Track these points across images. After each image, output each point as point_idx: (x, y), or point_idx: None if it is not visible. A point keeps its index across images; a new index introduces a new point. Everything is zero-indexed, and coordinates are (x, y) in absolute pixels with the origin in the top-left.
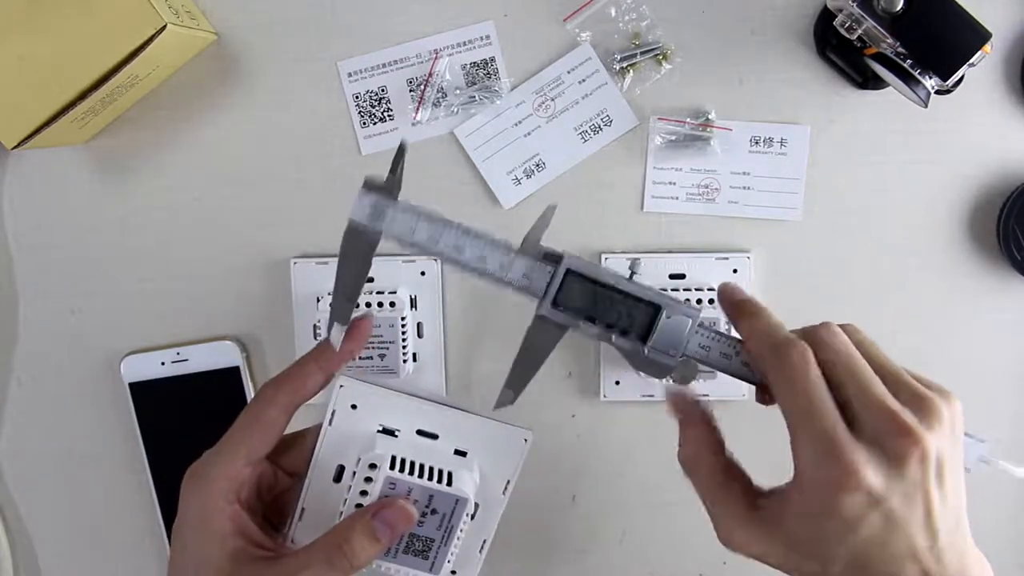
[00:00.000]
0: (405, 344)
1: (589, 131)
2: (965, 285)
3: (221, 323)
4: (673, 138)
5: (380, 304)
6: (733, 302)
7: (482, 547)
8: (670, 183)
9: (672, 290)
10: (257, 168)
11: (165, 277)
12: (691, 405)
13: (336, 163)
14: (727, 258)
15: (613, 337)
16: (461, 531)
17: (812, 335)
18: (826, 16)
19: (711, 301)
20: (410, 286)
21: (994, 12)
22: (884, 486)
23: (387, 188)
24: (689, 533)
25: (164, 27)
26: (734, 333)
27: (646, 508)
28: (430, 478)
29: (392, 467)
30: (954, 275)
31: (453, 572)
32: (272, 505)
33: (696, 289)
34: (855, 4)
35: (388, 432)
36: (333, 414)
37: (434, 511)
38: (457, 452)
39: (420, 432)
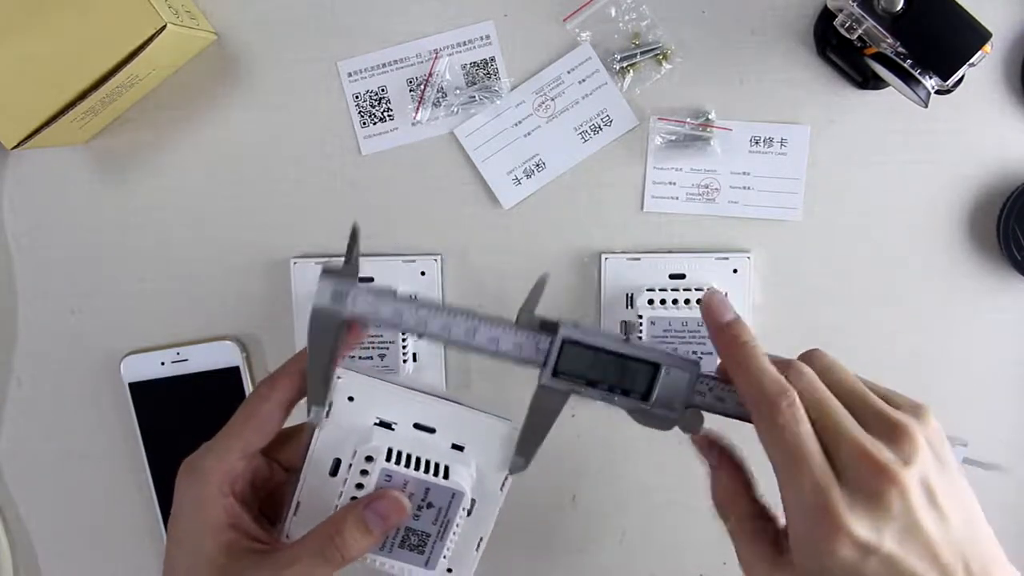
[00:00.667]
0: (405, 344)
1: (589, 131)
2: (965, 285)
3: (221, 323)
4: (673, 138)
5: None
6: (719, 326)
7: (479, 545)
8: (670, 183)
9: (672, 290)
10: (257, 168)
11: (165, 277)
12: (720, 449)
13: (336, 163)
14: (727, 258)
15: (617, 399)
16: (457, 526)
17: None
18: (826, 16)
19: None
20: (410, 286)
21: (994, 12)
22: (873, 533)
23: (345, 273)
24: (689, 533)
25: (164, 27)
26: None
27: (646, 508)
28: (426, 471)
29: (388, 459)
30: (954, 275)
31: (449, 570)
32: (268, 499)
33: (696, 289)
34: (855, 4)
35: (385, 425)
36: (330, 406)
37: (430, 505)
38: (454, 447)
39: (417, 426)
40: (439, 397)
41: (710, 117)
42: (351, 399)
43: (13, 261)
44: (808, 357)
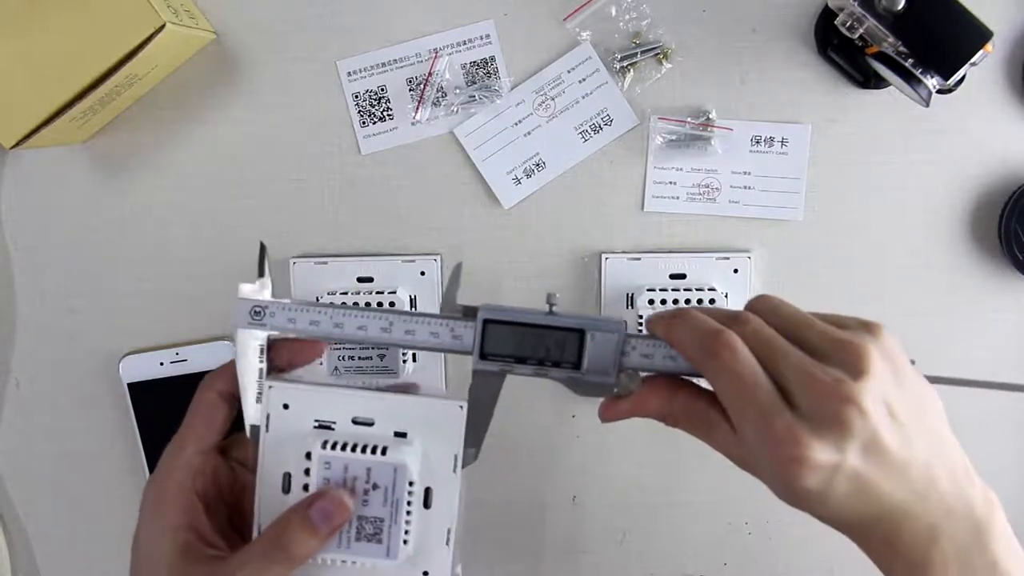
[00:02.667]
0: None
1: (589, 131)
2: (966, 285)
3: (220, 323)
4: (674, 138)
5: (380, 304)
6: (656, 323)
7: (448, 538)
8: (670, 183)
9: (672, 290)
10: (257, 168)
11: (164, 277)
12: (632, 400)
13: (336, 163)
14: (728, 258)
15: (549, 372)
16: (409, 504)
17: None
18: (827, 15)
19: (711, 301)
20: (410, 286)
21: (995, 11)
22: (835, 453)
23: (259, 290)
24: (689, 533)
25: (163, 26)
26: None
27: (646, 508)
28: (363, 452)
29: (324, 447)
30: (955, 275)
31: (425, 573)
32: (236, 507)
33: (697, 289)
34: (856, 3)
35: (324, 426)
36: (268, 418)
37: (375, 486)
38: (397, 434)
39: (356, 421)
40: (371, 390)
41: (711, 117)
42: (286, 407)
43: (11, 261)
44: (753, 302)
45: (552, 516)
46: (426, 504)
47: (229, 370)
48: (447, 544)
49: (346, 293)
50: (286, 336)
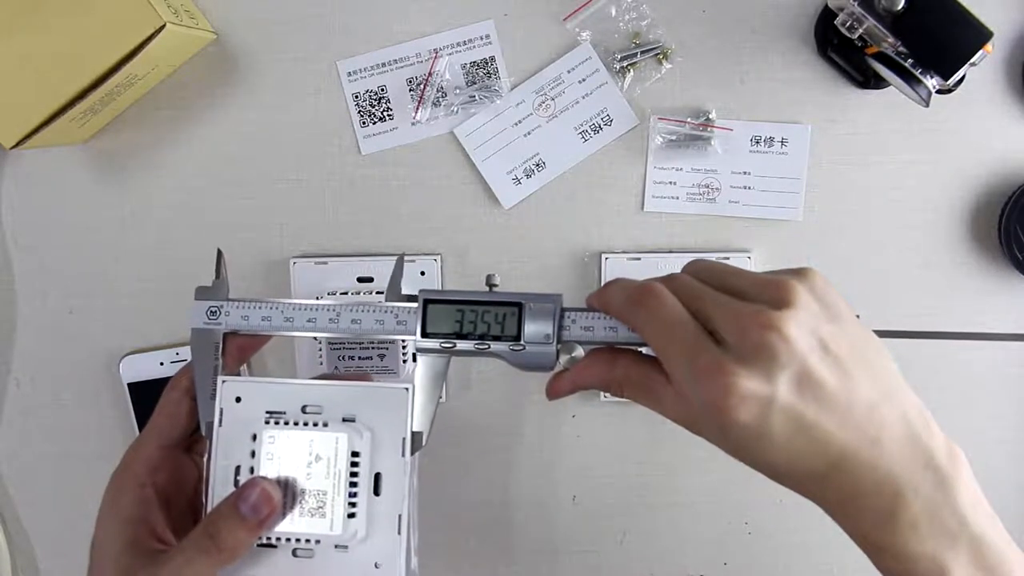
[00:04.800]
0: (405, 344)
1: (589, 131)
2: (966, 285)
3: None
4: (673, 138)
5: None
6: (591, 296)
7: (399, 525)
8: (670, 183)
9: None
10: (257, 168)
11: (164, 277)
12: (572, 374)
13: (336, 163)
14: (728, 258)
15: (491, 346)
16: (354, 476)
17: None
18: (827, 15)
19: None
20: (410, 286)
21: (995, 11)
22: (764, 383)
23: (216, 290)
24: (689, 533)
25: (163, 26)
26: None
27: (646, 508)
28: (305, 427)
29: (267, 423)
30: (955, 275)
31: (377, 564)
32: (199, 503)
33: None
34: (856, 3)
35: (275, 415)
36: (221, 413)
37: (318, 457)
38: (345, 420)
39: (305, 409)
40: (318, 382)
41: (710, 117)
42: (238, 399)
43: (12, 261)
44: (686, 265)
45: (552, 516)
46: (376, 491)
47: (190, 367)
48: (398, 533)
49: (346, 293)
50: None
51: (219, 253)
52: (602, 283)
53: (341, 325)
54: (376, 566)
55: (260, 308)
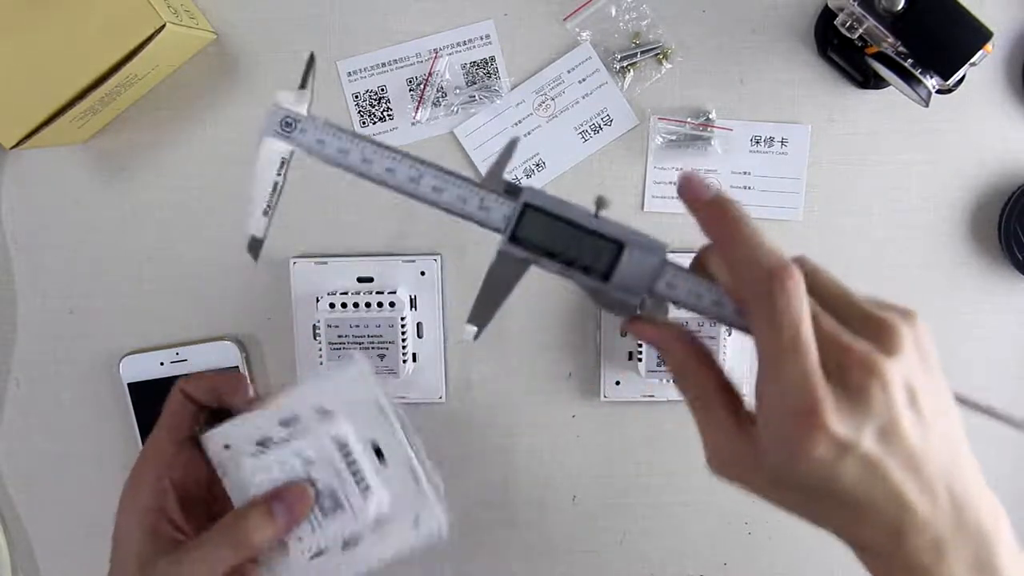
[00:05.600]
0: (405, 344)
1: (589, 131)
2: (966, 285)
3: (220, 323)
4: (673, 138)
5: (380, 304)
6: (701, 202)
7: (413, 475)
8: (670, 183)
9: None
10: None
11: (165, 277)
12: (664, 330)
13: None
14: None
15: (575, 275)
16: (350, 459)
17: None
18: (827, 15)
19: None
20: (410, 286)
21: (995, 11)
22: (852, 430)
23: (297, 100)
24: (689, 533)
25: (163, 26)
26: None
27: (646, 508)
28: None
29: (255, 455)
30: (955, 275)
31: (417, 515)
32: (212, 499)
33: None
34: (856, 3)
35: (261, 444)
36: (224, 466)
37: (310, 460)
38: (321, 412)
39: (282, 423)
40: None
41: (710, 117)
42: (227, 447)
43: (12, 261)
44: (800, 261)
45: (552, 516)
46: (380, 459)
47: (199, 377)
48: (416, 483)
49: (346, 293)
50: (202, 374)
51: (311, 58)
52: None
53: (421, 187)
54: (417, 522)
55: (340, 139)
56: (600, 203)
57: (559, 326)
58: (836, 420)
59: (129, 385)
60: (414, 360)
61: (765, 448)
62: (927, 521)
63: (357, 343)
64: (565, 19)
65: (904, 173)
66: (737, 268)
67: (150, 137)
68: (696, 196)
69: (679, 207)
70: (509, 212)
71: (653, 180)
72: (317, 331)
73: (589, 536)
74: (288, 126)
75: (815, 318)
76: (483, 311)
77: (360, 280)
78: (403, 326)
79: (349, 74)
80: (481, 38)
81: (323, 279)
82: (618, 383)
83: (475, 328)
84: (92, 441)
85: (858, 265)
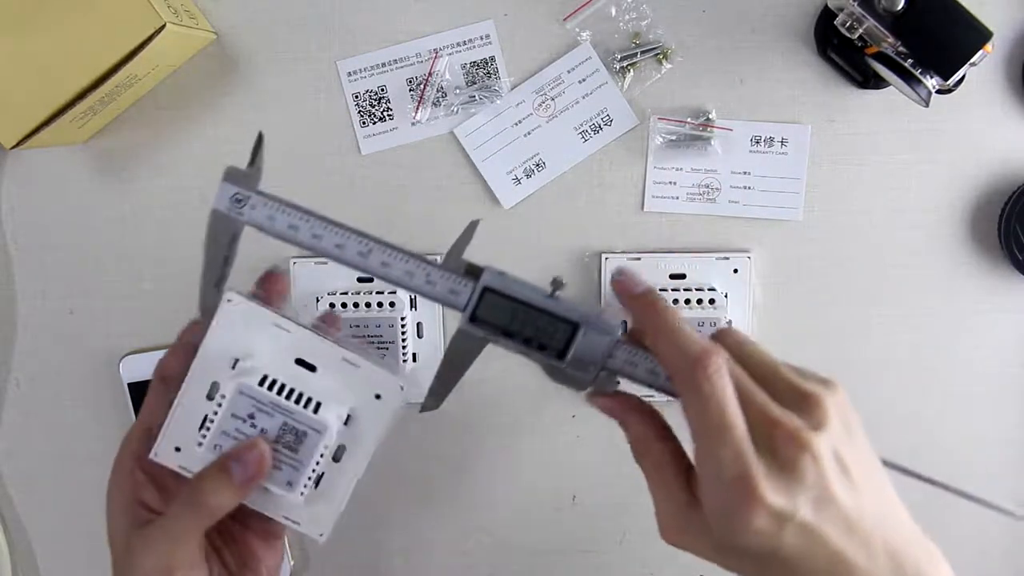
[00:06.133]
0: (405, 344)
1: (589, 131)
2: (966, 285)
3: None
4: (673, 138)
5: (380, 304)
6: (633, 296)
7: (345, 368)
8: (670, 183)
9: (672, 290)
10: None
11: (165, 277)
12: (623, 401)
13: (336, 163)
14: (727, 258)
15: (532, 353)
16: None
17: None
18: (827, 15)
19: (711, 301)
20: None
21: (995, 11)
22: (788, 501)
23: (248, 177)
24: None
25: (163, 27)
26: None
27: (646, 508)
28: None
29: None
30: (955, 275)
31: (376, 396)
32: None
33: (696, 289)
34: (856, 3)
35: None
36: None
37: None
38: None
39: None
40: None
41: (710, 117)
42: (178, 449)
43: (12, 261)
44: (719, 335)
45: (552, 516)
46: (311, 369)
47: (171, 353)
48: (357, 367)
49: (346, 293)
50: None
51: (259, 137)
52: (603, 284)
53: (370, 262)
54: (380, 398)
55: (289, 214)
56: (556, 284)
57: None
58: (772, 493)
59: (129, 385)
60: (414, 360)
61: (709, 520)
62: (866, 571)
63: (363, 333)
64: (565, 19)
65: (904, 173)
66: (664, 356)
67: (150, 137)
68: (627, 290)
69: (678, 207)
70: (454, 286)
71: (653, 180)
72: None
73: (589, 536)
74: (238, 202)
75: (746, 392)
76: (442, 385)
77: (360, 280)
78: (403, 326)
79: (349, 74)
80: (481, 38)
81: (323, 279)
82: (618, 383)
83: (435, 399)
84: (92, 441)
85: (858, 265)
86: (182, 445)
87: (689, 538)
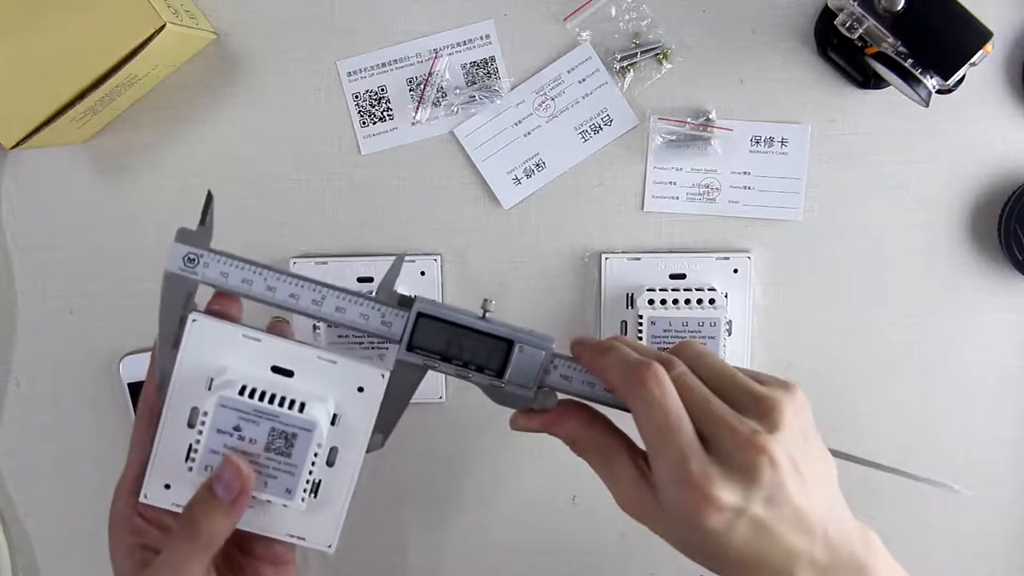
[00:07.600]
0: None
1: (589, 131)
2: (966, 285)
3: None
4: (673, 138)
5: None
6: (588, 347)
7: (326, 368)
8: (670, 183)
9: (672, 290)
10: (257, 168)
11: None
12: (559, 411)
13: (336, 163)
14: (727, 258)
15: (471, 376)
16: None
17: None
18: (827, 15)
19: (711, 301)
20: (410, 286)
21: (995, 11)
22: (742, 498)
23: (199, 236)
24: None
25: (163, 26)
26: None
27: None
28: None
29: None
30: (955, 275)
31: (358, 389)
32: None
33: (696, 289)
34: (856, 3)
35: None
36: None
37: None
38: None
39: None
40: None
41: (710, 117)
42: (168, 487)
43: (12, 261)
44: (677, 349)
45: (552, 516)
46: (288, 374)
47: (150, 382)
48: (335, 363)
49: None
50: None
51: (208, 196)
52: (603, 284)
53: (324, 309)
54: (363, 390)
55: (242, 269)
56: (486, 306)
57: (558, 326)
58: (726, 492)
59: (129, 385)
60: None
61: (665, 513)
62: (812, 562)
63: (357, 343)
64: (565, 19)
65: (904, 173)
66: (608, 373)
67: (150, 137)
68: (584, 347)
69: (678, 207)
70: (387, 317)
71: (653, 180)
72: (317, 331)
73: (589, 536)
74: (191, 262)
75: (703, 401)
76: (387, 419)
77: (360, 280)
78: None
79: (349, 74)
80: (481, 38)
81: (323, 279)
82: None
83: (381, 436)
84: (92, 441)
85: (858, 265)
86: (171, 481)
87: (641, 510)
